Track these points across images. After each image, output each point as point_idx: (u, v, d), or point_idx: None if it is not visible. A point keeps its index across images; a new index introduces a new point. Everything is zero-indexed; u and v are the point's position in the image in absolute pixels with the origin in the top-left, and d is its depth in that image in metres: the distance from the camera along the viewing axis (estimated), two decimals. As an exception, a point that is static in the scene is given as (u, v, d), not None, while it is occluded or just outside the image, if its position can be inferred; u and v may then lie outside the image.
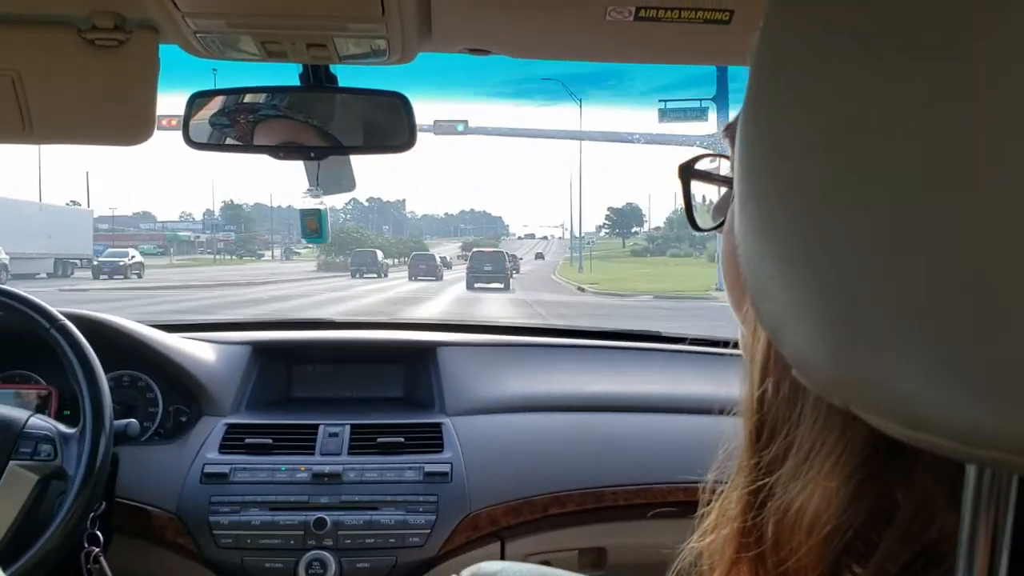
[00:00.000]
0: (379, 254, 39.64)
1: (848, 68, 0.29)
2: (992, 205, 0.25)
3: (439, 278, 33.98)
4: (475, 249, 38.08)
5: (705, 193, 0.58)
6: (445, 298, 23.07)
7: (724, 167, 0.57)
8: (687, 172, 0.57)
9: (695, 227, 0.59)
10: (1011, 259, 0.25)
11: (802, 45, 0.31)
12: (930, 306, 0.27)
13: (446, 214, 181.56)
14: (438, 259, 37.59)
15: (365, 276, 34.83)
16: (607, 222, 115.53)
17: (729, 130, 0.54)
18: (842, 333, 0.30)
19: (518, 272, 39.29)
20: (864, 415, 0.31)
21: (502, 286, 28.92)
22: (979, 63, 0.25)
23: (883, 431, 0.30)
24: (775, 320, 0.34)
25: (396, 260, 57.41)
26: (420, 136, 1.29)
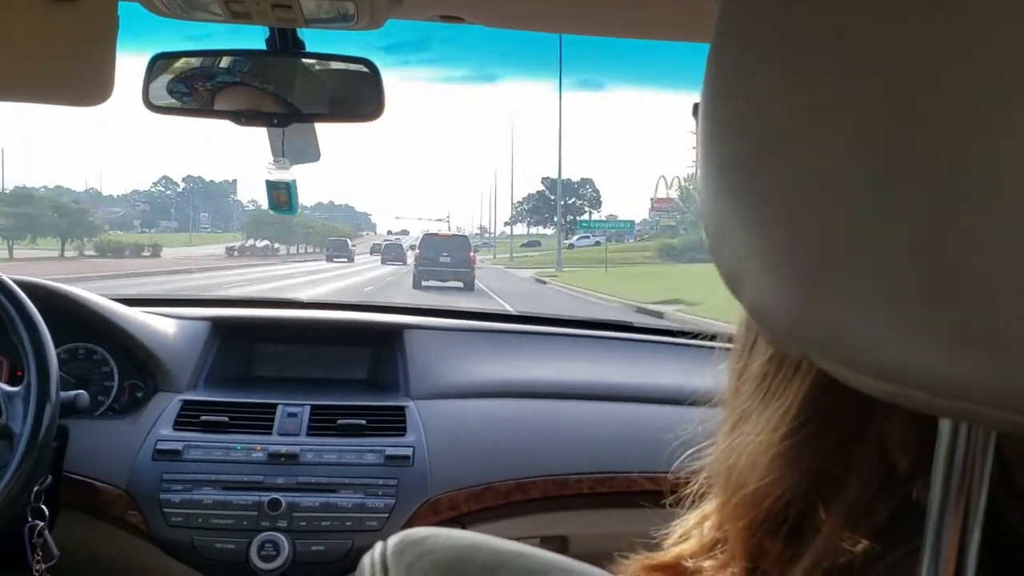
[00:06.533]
0: (348, 242, 45.15)
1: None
2: (972, 139, 0.22)
3: (405, 263, 34.52)
4: (426, 232, 28.44)
5: None
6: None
7: None
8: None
9: None
10: (988, 192, 0.22)
11: None
12: (895, 243, 0.24)
13: (300, 206, 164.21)
14: (405, 246, 40.51)
15: (335, 260, 38.85)
16: (528, 205, 76.22)
17: (697, 110, 0.53)
18: (802, 276, 0.28)
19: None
20: (824, 364, 0.28)
21: (462, 284, 22.18)
22: None
23: (846, 382, 0.28)
24: (733, 266, 0.31)
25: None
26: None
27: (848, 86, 0.25)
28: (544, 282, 27.34)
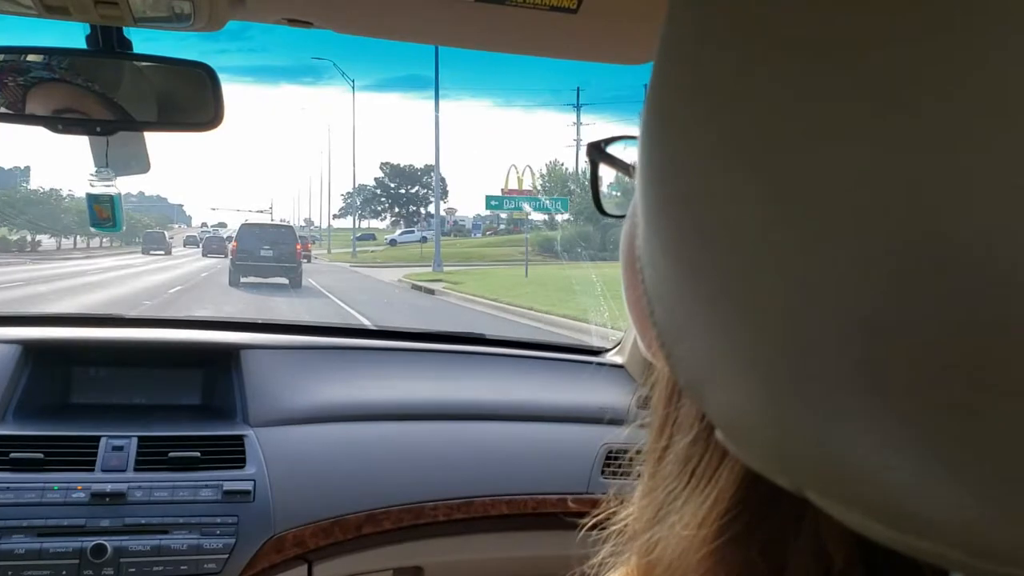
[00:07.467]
0: (166, 235, 44.56)
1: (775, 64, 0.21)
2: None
3: (227, 255, 32.32)
4: (245, 222, 23.45)
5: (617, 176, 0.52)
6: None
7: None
8: (597, 153, 0.52)
9: (602, 212, 0.55)
10: None
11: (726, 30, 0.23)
12: (926, 359, 0.19)
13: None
14: (225, 237, 38.97)
15: (152, 253, 37.89)
16: (362, 196, 61.46)
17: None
18: (793, 393, 0.22)
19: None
20: (826, 506, 0.23)
21: (287, 281, 18.40)
22: (906, 63, 0.18)
23: (855, 528, 0.23)
24: (694, 369, 0.26)
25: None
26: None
27: (828, 155, 0.20)
28: (431, 291, 17.74)
